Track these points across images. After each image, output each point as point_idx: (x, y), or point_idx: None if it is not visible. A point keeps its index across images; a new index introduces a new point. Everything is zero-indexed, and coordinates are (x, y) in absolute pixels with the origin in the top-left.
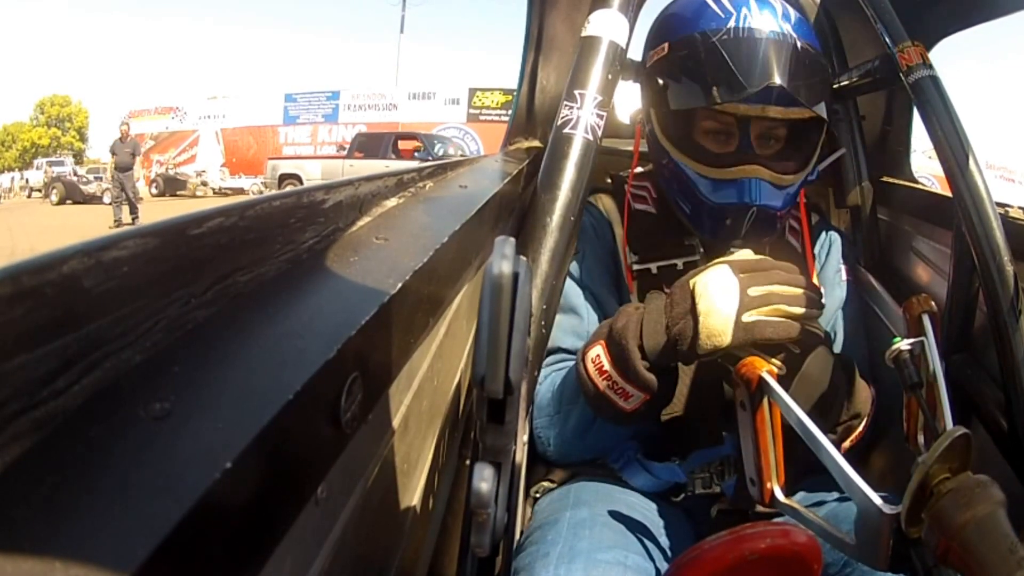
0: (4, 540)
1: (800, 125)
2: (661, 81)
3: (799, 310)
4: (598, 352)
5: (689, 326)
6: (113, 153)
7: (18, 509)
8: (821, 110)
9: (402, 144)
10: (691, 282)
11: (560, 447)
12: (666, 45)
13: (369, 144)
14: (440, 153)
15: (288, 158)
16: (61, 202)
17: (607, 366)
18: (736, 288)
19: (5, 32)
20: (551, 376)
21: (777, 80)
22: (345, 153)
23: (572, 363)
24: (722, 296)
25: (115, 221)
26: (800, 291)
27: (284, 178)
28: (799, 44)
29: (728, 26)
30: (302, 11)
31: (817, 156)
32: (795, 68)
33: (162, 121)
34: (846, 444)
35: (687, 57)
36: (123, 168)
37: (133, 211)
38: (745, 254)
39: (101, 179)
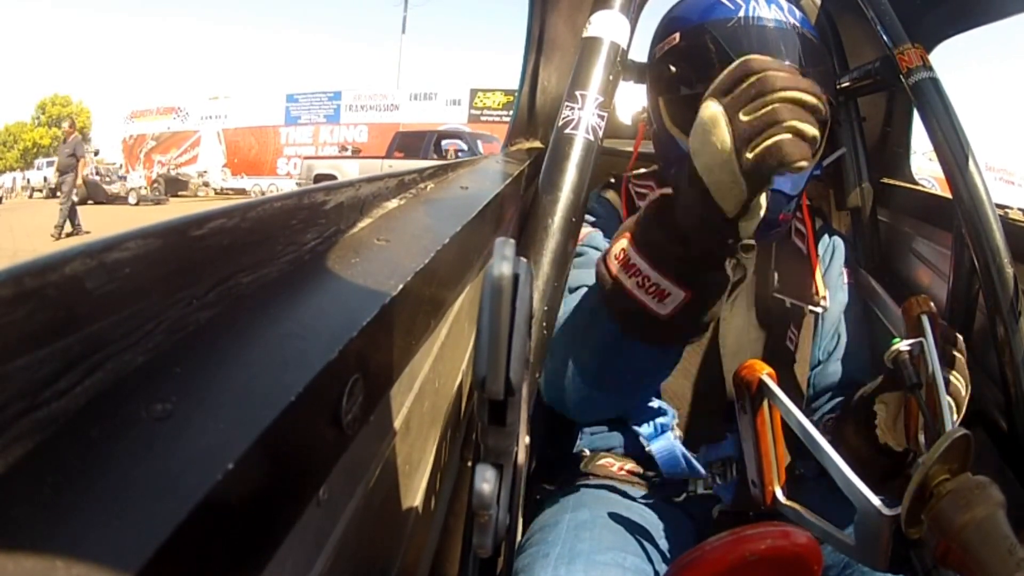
0: (6, 540)
1: None
2: (673, 68)
3: (804, 120)
4: (623, 246)
5: (697, 187)
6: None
7: (20, 509)
8: (830, 92)
9: (445, 143)
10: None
11: (580, 387)
12: (677, 35)
13: (409, 143)
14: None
15: (325, 158)
16: (82, 202)
17: (637, 260)
18: (722, 119)
19: (6, 32)
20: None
21: (787, 62)
22: (349, 152)
23: None
24: (709, 137)
25: (56, 228)
26: (800, 93)
27: (320, 178)
28: (806, 34)
29: (739, 15)
30: (304, 12)
31: (823, 148)
32: (803, 54)
33: (164, 121)
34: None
35: (699, 44)
36: (63, 171)
37: (72, 219)
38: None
39: (125, 179)
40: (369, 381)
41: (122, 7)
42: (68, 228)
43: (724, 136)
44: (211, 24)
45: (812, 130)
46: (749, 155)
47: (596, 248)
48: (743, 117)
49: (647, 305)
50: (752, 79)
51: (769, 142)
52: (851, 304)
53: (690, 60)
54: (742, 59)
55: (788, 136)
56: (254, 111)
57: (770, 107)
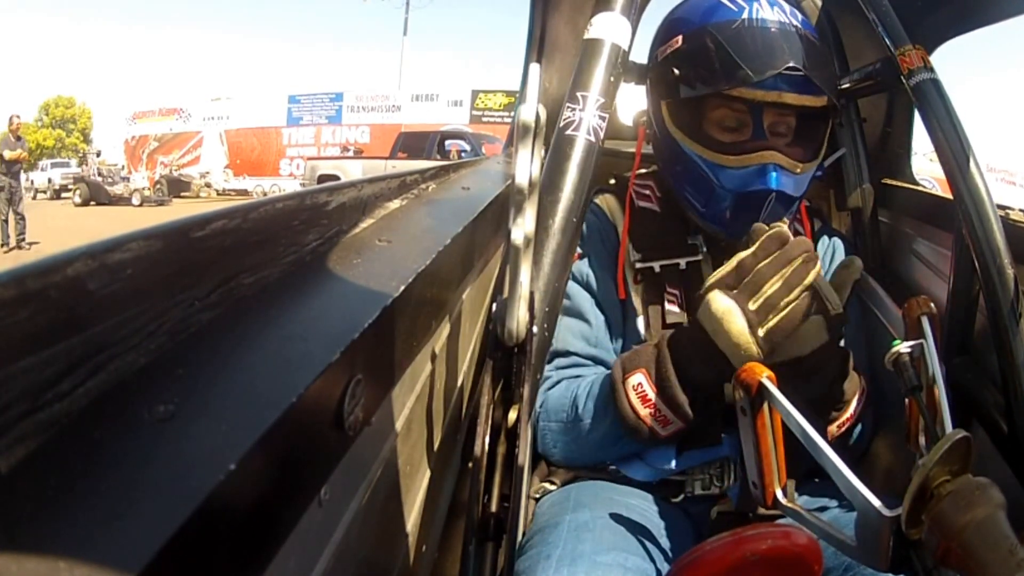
0: (9, 541)
1: (809, 115)
2: (676, 71)
3: (802, 284)
4: (640, 380)
5: (721, 360)
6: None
7: (23, 510)
8: (833, 92)
9: (448, 144)
10: (698, 319)
11: (569, 451)
12: (680, 38)
13: (413, 144)
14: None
15: (329, 158)
16: (84, 204)
17: (652, 396)
18: (738, 310)
19: (10, 34)
20: (564, 382)
21: (793, 63)
22: (350, 153)
23: (589, 373)
24: (731, 324)
25: (4, 242)
26: (791, 265)
27: (324, 179)
28: (808, 36)
29: (742, 17)
30: (305, 14)
31: (824, 149)
32: (808, 56)
33: (166, 122)
34: (832, 429)
35: (702, 47)
36: (11, 173)
37: (4, 229)
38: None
39: (128, 180)
40: (371, 382)
41: (127, 12)
42: (12, 242)
43: (741, 325)
44: (213, 27)
45: (805, 300)
46: (762, 332)
47: (581, 283)
48: (751, 306)
49: (654, 429)
50: (751, 276)
51: (775, 320)
52: (850, 304)
53: (693, 63)
54: (739, 259)
55: (788, 310)
56: (256, 112)
57: (769, 293)
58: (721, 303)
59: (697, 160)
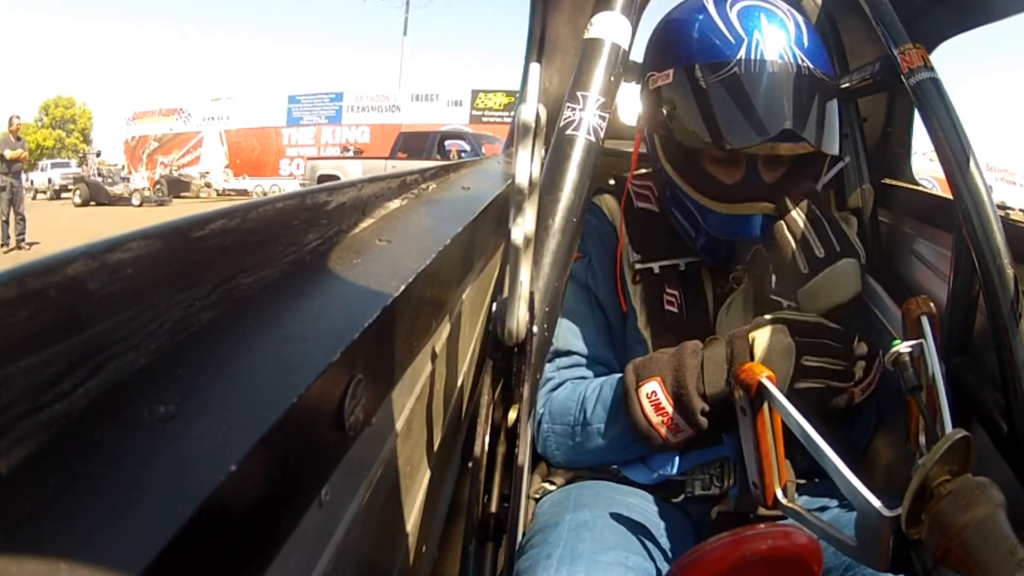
0: (9, 541)
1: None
2: (665, 111)
3: (841, 384)
4: (654, 389)
5: None
6: (1, 157)
7: (23, 510)
8: (830, 145)
9: (448, 144)
10: (751, 337)
11: (573, 455)
12: (671, 72)
13: (413, 144)
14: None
15: (329, 158)
16: (84, 204)
17: (666, 405)
18: (793, 354)
19: (10, 34)
20: (569, 385)
21: (789, 124)
22: (350, 153)
23: (591, 374)
24: (781, 360)
25: (4, 242)
26: (845, 366)
27: (324, 179)
28: (814, 74)
29: (739, 57)
30: (305, 15)
31: (825, 169)
32: (807, 104)
33: (166, 122)
34: (856, 392)
35: (695, 91)
36: (12, 173)
37: (12, 237)
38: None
39: (128, 180)
40: (371, 382)
41: (127, 13)
42: (12, 242)
43: (787, 369)
44: (213, 27)
45: (837, 392)
46: (797, 386)
47: (580, 283)
48: (805, 362)
49: (664, 436)
50: (819, 341)
51: (811, 384)
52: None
53: (687, 108)
54: (823, 322)
55: (824, 388)
56: (256, 112)
57: (824, 368)
58: (784, 341)
59: (688, 198)
